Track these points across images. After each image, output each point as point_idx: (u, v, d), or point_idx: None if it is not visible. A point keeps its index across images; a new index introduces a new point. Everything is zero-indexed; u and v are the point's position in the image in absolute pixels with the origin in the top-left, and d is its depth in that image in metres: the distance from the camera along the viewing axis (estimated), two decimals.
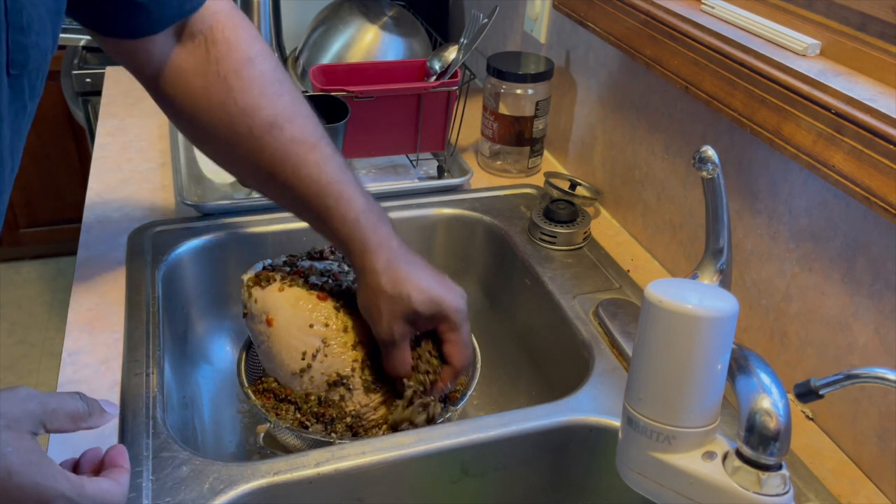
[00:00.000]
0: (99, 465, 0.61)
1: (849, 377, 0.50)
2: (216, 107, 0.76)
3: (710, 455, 0.53)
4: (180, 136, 1.20)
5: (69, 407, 0.57)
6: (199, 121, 0.77)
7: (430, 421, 0.75)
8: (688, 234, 0.94)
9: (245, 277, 0.82)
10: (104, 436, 0.69)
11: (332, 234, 0.77)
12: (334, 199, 0.75)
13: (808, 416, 0.78)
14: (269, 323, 0.79)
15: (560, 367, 0.91)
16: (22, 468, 0.52)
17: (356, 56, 1.29)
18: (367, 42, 1.29)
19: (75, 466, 0.61)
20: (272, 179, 0.77)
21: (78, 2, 0.68)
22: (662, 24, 0.87)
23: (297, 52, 1.38)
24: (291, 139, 0.75)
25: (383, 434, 0.77)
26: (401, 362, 0.75)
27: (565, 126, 1.21)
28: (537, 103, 1.13)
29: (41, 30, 0.58)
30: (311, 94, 1.07)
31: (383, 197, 1.09)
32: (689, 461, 0.53)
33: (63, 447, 0.68)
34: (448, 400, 0.80)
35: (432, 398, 0.76)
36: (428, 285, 0.75)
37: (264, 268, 0.82)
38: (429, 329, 0.77)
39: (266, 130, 0.75)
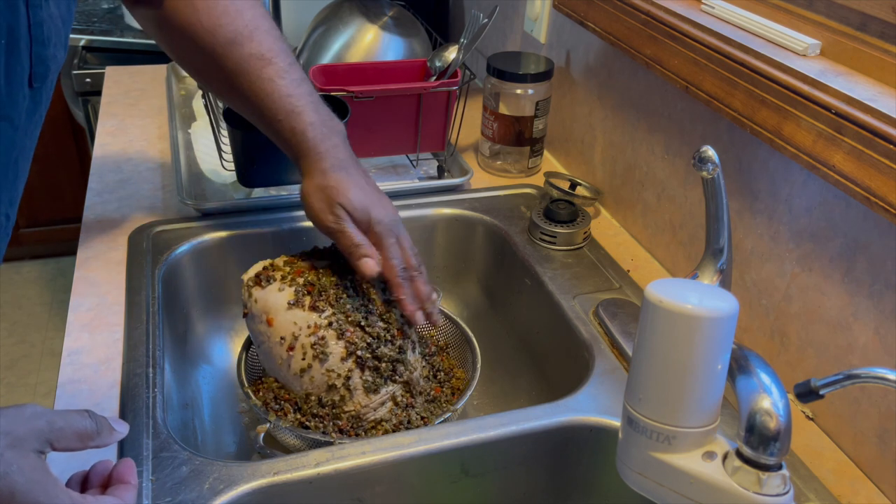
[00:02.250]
0: (107, 480, 0.61)
1: (849, 377, 0.50)
2: (184, 24, 0.82)
3: (710, 455, 0.53)
4: (180, 136, 1.20)
5: (77, 426, 0.56)
6: (170, 37, 0.85)
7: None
8: (688, 234, 0.94)
9: (245, 277, 0.82)
10: None
11: (284, 144, 0.84)
12: (285, 113, 0.82)
13: (808, 416, 0.78)
14: (269, 323, 0.79)
15: (560, 367, 0.91)
16: (25, 487, 0.52)
17: (356, 56, 1.29)
18: (367, 42, 1.29)
19: (84, 480, 0.61)
20: (232, 91, 0.84)
21: None
22: (662, 24, 0.87)
23: (297, 52, 1.38)
24: (249, 55, 0.81)
25: (383, 434, 0.77)
26: (349, 245, 0.79)
27: (565, 126, 1.21)
28: (537, 103, 1.13)
29: (58, 42, 0.59)
30: None
31: None
32: (689, 461, 0.53)
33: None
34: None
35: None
36: (363, 192, 0.81)
37: (264, 268, 0.82)
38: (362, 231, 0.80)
39: (226, 47, 0.81)
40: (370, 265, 0.79)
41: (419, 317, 0.81)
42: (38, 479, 0.53)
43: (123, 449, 0.69)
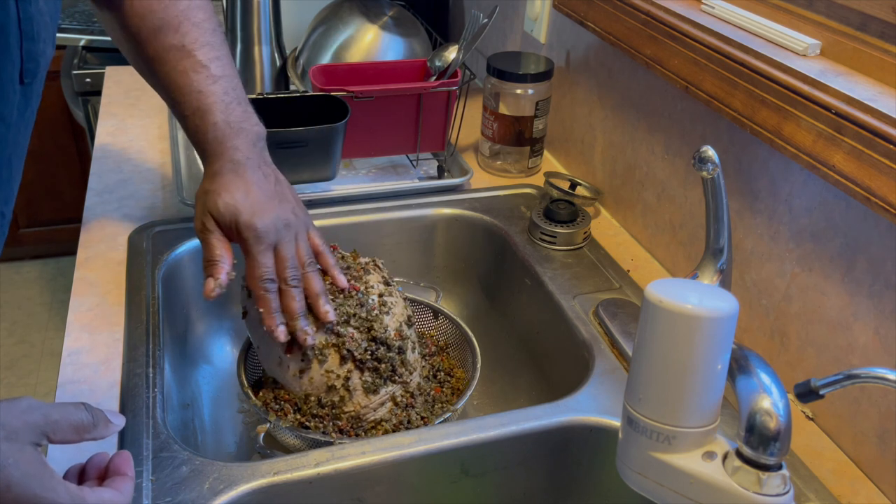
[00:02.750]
0: (104, 472, 0.61)
1: (849, 377, 0.50)
2: (118, 5, 0.80)
3: (710, 455, 0.53)
4: (180, 136, 1.20)
5: (73, 418, 0.56)
6: (105, 18, 0.83)
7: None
8: (688, 234, 0.94)
9: (245, 278, 0.82)
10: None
11: (192, 142, 0.81)
12: (192, 110, 0.79)
13: (808, 416, 0.78)
14: None
15: (560, 367, 0.91)
16: (21, 480, 0.51)
17: (356, 56, 1.29)
18: (367, 42, 1.29)
19: (81, 472, 0.61)
20: (153, 80, 0.83)
21: None
22: (662, 24, 0.87)
23: (297, 52, 1.38)
24: (171, 45, 0.79)
25: (383, 434, 0.77)
26: (204, 259, 0.77)
27: (565, 126, 1.21)
28: (537, 103, 1.13)
29: (47, 38, 0.59)
30: (311, 94, 1.07)
31: (383, 197, 1.09)
32: (689, 461, 0.53)
33: (64, 449, 0.68)
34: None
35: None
36: (242, 196, 0.76)
37: None
38: (235, 240, 0.77)
39: (151, 33, 0.79)
40: (208, 287, 0.74)
41: (279, 333, 0.74)
42: (35, 471, 0.52)
43: (124, 448, 0.69)
